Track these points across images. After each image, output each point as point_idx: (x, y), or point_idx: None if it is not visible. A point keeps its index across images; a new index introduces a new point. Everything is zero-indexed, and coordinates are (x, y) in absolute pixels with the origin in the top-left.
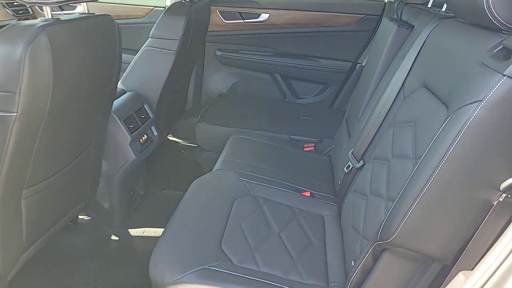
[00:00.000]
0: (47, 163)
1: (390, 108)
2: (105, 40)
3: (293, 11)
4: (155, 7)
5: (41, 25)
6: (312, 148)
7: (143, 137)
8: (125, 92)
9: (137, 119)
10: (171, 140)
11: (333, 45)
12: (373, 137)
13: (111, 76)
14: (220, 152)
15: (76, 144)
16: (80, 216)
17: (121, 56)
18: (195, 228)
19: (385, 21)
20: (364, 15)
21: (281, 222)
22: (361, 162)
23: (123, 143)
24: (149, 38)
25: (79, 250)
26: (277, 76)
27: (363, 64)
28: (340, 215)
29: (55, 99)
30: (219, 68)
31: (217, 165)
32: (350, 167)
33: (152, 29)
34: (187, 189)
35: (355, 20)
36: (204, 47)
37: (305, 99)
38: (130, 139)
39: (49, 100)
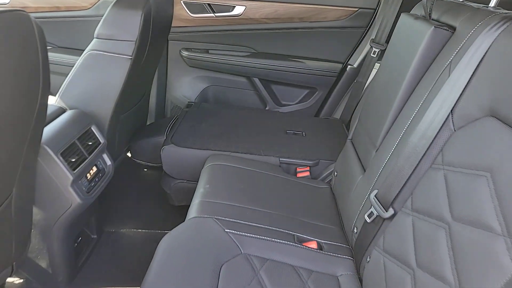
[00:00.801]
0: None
1: (433, 140)
2: (16, 47)
3: (273, 4)
4: None
5: None
6: (307, 173)
7: (91, 171)
8: (64, 111)
9: (81, 147)
10: (130, 159)
11: (320, 43)
12: (407, 179)
13: (34, 93)
14: (193, 181)
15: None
16: (9, 279)
17: (46, 64)
18: None
19: (405, 18)
20: (356, 9)
21: None
22: (391, 211)
23: (61, 185)
24: (94, 39)
25: None
26: (256, 80)
27: (355, 66)
28: (361, 277)
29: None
30: (186, 71)
31: (192, 210)
32: (375, 216)
33: (98, 27)
34: (151, 227)
35: (346, 15)
36: (167, 47)
37: (289, 106)
38: (71, 178)
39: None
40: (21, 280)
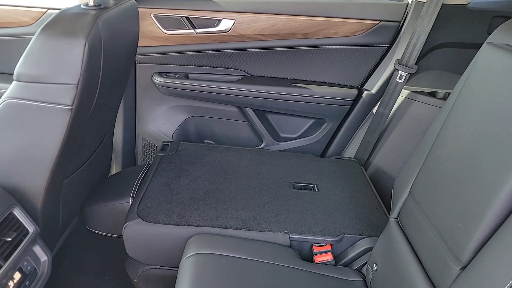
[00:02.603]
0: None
1: None
2: None
3: (270, 16)
4: (49, 9)
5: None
6: (329, 255)
7: (10, 283)
8: None
9: None
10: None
11: (329, 65)
12: None
13: None
14: (169, 267)
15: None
16: None
17: None
18: None
19: (499, 52)
20: (377, 22)
21: None
22: None
23: None
24: (13, 82)
25: None
26: (249, 110)
27: (373, 92)
28: None
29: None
30: (159, 100)
31: None
32: None
33: (18, 65)
34: None
35: (364, 29)
36: (135, 71)
37: (290, 141)
38: None
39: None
40: None
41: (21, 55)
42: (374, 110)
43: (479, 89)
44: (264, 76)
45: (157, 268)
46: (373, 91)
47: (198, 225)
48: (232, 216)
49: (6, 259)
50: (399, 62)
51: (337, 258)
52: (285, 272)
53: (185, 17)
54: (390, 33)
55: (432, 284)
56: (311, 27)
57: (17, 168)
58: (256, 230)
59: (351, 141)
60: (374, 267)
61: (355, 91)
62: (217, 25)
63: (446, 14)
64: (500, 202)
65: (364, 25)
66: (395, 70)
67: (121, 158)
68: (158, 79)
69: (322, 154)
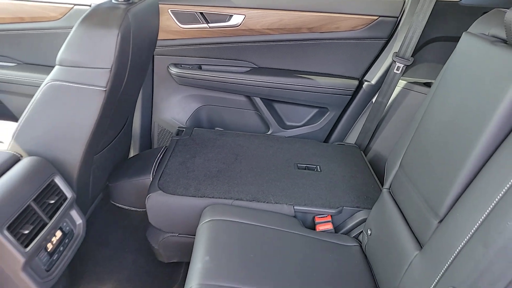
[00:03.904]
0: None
1: None
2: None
3: (278, 12)
4: (75, 5)
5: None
6: (330, 225)
7: (53, 239)
8: (18, 160)
9: (39, 211)
10: (109, 201)
11: (332, 57)
12: (509, 283)
13: None
14: (186, 235)
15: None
16: None
17: None
18: None
19: (475, 40)
20: (376, 17)
21: None
22: None
23: (9, 270)
24: (56, 67)
25: None
26: (257, 99)
27: (373, 82)
28: None
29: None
30: (174, 90)
31: None
32: None
33: (60, 51)
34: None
35: (364, 24)
36: (153, 63)
37: (295, 129)
38: (22, 260)
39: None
40: None
41: (50, 47)
42: (374, 100)
43: (456, 73)
44: (271, 68)
45: (175, 235)
46: (373, 82)
47: (213, 197)
48: (243, 190)
49: (50, 218)
50: (396, 54)
51: (336, 228)
52: (290, 237)
53: (200, 12)
54: (389, 27)
55: (416, 238)
56: (316, 22)
57: (58, 142)
58: (264, 202)
59: (352, 128)
60: (369, 232)
61: (356, 82)
62: (229, 20)
63: (440, 10)
64: (470, 164)
65: (365, 20)
66: (393, 62)
67: (138, 143)
68: (174, 70)
69: (325, 141)
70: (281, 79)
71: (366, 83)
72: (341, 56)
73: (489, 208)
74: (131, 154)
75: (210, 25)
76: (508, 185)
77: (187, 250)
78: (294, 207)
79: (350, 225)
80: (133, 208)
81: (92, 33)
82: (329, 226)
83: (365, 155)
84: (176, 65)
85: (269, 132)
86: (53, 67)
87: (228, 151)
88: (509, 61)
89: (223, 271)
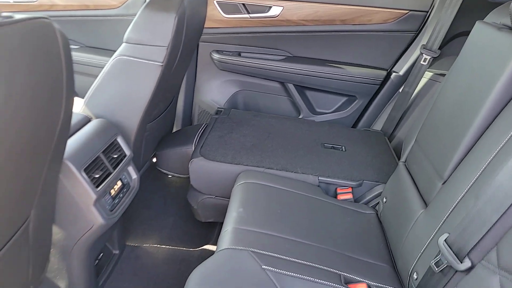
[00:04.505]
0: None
1: None
2: (37, 59)
3: (313, 4)
4: None
5: None
6: (350, 195)
7: (115, 187)
8: (89, 121)
9: (106, 161)
10: (155, 167)
11: (363, 48)
12: (491, 227)
13: (56, 108)
14: (222, 197)
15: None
16: None
17: (70, 69)
18: None
19: (483, 27)
20: (406, 11)
21: None
22: (467, 263)
23: (83, 204)
24: (123, 44)
25: None
26: (290, 86)
27: (401, 73)
28: None
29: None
30: (215, 74)
31: (225, 239)
32: (444, 265)
33: (127, 31)
34: (176, 244)
35: (394, 17)
36: (198, 49)
37: (324, 115)
38: (94, 197)
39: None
40: None
41: (109, 32)
42: (401, 90)
43: (467, 57)
44: (304, 57)
45: (212, 197)
46: (401, 72)
47: (247, 165)
48: (273, 161)
49: (113, 169)
50: (424, 46)
51: (356, 200)
52: (313, 201)
53: (242, 3)
54: (418, 21)
55: (424, 200)
56: (349, 15)
57: (121, 108)
58: (291, 172)
59: (379, 116)
60: (384, 200)
61: (384, 72)
62: (268, 11)
63: (468, 6)
64: (470, 134)
65: (395, 14)
66: (421, 54)
67: (181, 120)
68: (216, 56)
69: (353, 127)
70: (314, 68)
71: (394, 73)
72: (371, 48)
73: (482, 168)
74: (174, 130)
75: (251, 15)
76: (498, 148)
77: (222, 211)
78: (319, 178)
79: (369, 197)
80: (175, 174)
81: (154, 16)
82: (349, 196)
83: (390, 142)
84: (218, 51)
85: (300, 117)
86: (110, 50)
87: (261, 129)
88: (510, 42)
89: (253, 220)
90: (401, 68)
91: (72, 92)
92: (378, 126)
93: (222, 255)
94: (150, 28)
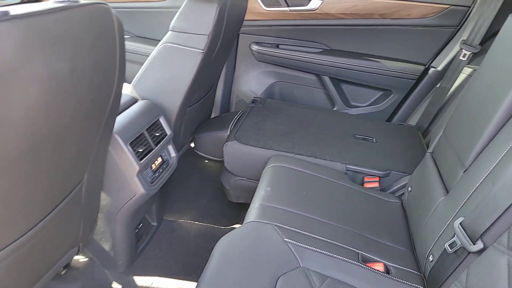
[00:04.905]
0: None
1: None
2: (97, 40)
3: None
4: None
5: None
6: (376, 184)
7: (156, 162)
8: (136, 101)
9: (149, 138)
10: (193, 151)
11: (401, 42)
12: (505, 210)
13: (110, 85)
14: (253, 180)
15: (57, 188)
16: (75, 257)
17: (123, 55)
18: None
19: None
20: (448, 6)
21: None
22: (480, 244)
23: (128, 174)
24: (169, 32)
25: None
26: (325, 78)
27: (439, 69)
28: None
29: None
30: (253, 65)
31: (252, 213)
32: (457, 247)
33: (173, 20)
34: (208, 221)
35: (435, 12)
36: (238, 40)
37: (359, 108)
38: (137, 168)
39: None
40: (86, 259)
41: (157, 23)
42: (438, 85)
43: (497, 49)
44: (341, 50)
45: (244, 179)
46: (439, 68)
47: (278, 150)
48: (303, 148)
49: (155, 146)
50: (464, 42)
51: (383, 190)
52: (339, 187)
53: None
54: (459, 16)
55: (445, 188)
56: (388, 9)
57: (164, 91)
58: (320, 158)
59: (415, 111)
60: (409, 189)
61: (421, 67)
62: (307, 4)
63: (510, 2)
64: (492, 124)
65: (436, 9)
66: (460, 49)
67: (219, 108)
68: (255, 47)
69: (387, 122)
70: (350, 61)
71: (432, 69)
72: (409, 42)
73: (501, 156)
74: (213, 116)
75: (291, 8)
76: None
77: (252, 192)
78: (346, 166)
79: (395, 187)
80: (211, 157)
81: (197, 6)
82: (375, 185)
83: (424, 138)
84: (257, 43)
85: (334, 109)
86: (158, 40)
87: (294, 118)
88: None
89: (279, 198)
90: (440, 64)
91: (123, 75)
92: (413, 121)
93: (248, 227)
94: (193, 17)
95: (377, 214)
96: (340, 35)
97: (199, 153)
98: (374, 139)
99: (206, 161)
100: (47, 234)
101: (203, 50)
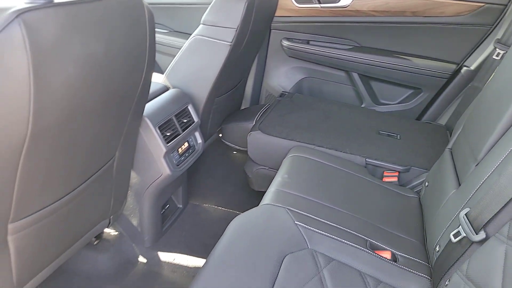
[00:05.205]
0: (44, 190)
1: None
2: (129, 29)
3: None
4: None
5: (15, 11)
6: (395, 178)
7: (183, 146)
8: (167, 89)
9: (177, 124)
10: (221, 141)
11: (433, 41)
12: (508, 202)
13: (139, 72)
14: (274, 169)
15: (91, 161)
16: (106, 230)
17: (153, 46)
18: None
19: None
20: (483, 4)
21: None
22: (482, 234)
23: (155, 155)
24: (200, 25)
25: (99, 272)
26: (355, 75)
27: (472, 68)
28: None
29: (43, 116)
30: (284, 61)
31: (267, 197)
32: (462, 237)
33: (205, 14)
34: (230, 207)
35: (469, 10)
36: (269, 35)
37: (387, 106)
38: (164, 150)
39: (31, 118)
40: (116, 233)
41: (191, 18)
42: (470, 85)
43: None
44: (371, 47)
45: (266, 168)
46: (472, 67)
47: (299, 141)
48: (325, 140)
49: (182, 131)
50: (498, 41)
51: (402, 185)
52: (355, 178)
53: None
54: (494, 14)
55: (458, 181)
56: (420, 6)
57: (193, 81)
58: (340, 151)
59: (446, 110)
60: (426, 184)
61: (453, 66)
62: (339, 1)
63: None
64: (505, 119)
65: (470, 7)
66: (494, 48)
67: (249, 101)
68: (285, 43)
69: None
70: (380, 58)
71: (465, 68)
72: (441, 40)
73: (510, 149)
74: (242, 108)
75: (322, 5)
76: None
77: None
78: (366, 159)
79: (415, 183)
80: (237, 146)
81: (227, 1)
82: (394, 179)
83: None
84: (288, 39)
85: (362, 106)
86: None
87: (320, 113)
88: None
89: (295, 185)
90: (473, 63)
91: (152, 64)
92: (443, 120)
93: (262, 209)
94: (223, 11)
95: (392, 207)
96: (370, 32)
97: (226, 142)
98: (399, 135)
99: (235, 152)
100: (81, 202)
101: (231, 42)
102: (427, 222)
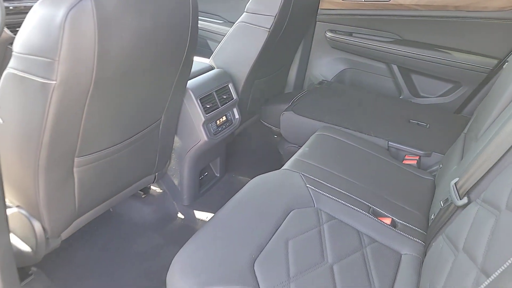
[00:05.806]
0: (102, 134)
1: None
2: (174, 7)
3: None
4: None
5: None
6: (415, 162)
7: (221, 119)
8: (212, 69)
9: (217, 98)
10: (260, 121)
11: (475, 35)
12: (488, 170)
13: (181, 51)
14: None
15: (140, 117)
16: (153, 187)
17: (195, 28)
18: (233, 235)
19: None
20: None
21: (340, 251)
22: (465, 200)
23: (196, 123)
24: (244, 13)
25: (144, 220)
26: (394, 67)
27: None
28: (423, 262)
29: (103, 69)
30: (327, 52)
31: (287, 164)
32: (449, 203)
33: (248, 3)
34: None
35: None
36: (314, 27)
37: (426, 99)
38: (203, 119)
39: (95, 70)
40: (161, 191)
41: (243, 10)
42: None
43: None
44: (412, 40)
45: (296, 146)
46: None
47: (327, 122)
48: (352, 122)
49: (221, 106)
50: None
51: (423, 169)
52: (376, 159)
53: None
54: None
55: (462, 158)
56: (463, 1)
57: (234, 62)
58: (365, 134)
59: None
60: (440, 166)
61: (494, 61)
62: None
63: None
64: (502, 100)
65: None
66: None
67: (292, 87)
68: (329, 35)
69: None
70: (421, 51)
71: (507, 63)
72: (484, 35)
73: (501, 123)
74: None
75: None
76: None
77: None
78: (389, 142)
79: (434, 167)
80: (273, 127)
81: None
82: (413, 162)
83: None
84: (331, 31)
85: (400, 97)
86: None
87: (353, 100)
88: None
89: (314, 156)
90: None
91: (193, 46)
92: None
93: (278, 172)
94: (263, 1)
95: (404, 184)
96: (412, 26)
97: (263, 123)
98: (428, 125)
99: (275, 136)
100: (131, 153)
101: (269, 29)
102: (435, 195)
